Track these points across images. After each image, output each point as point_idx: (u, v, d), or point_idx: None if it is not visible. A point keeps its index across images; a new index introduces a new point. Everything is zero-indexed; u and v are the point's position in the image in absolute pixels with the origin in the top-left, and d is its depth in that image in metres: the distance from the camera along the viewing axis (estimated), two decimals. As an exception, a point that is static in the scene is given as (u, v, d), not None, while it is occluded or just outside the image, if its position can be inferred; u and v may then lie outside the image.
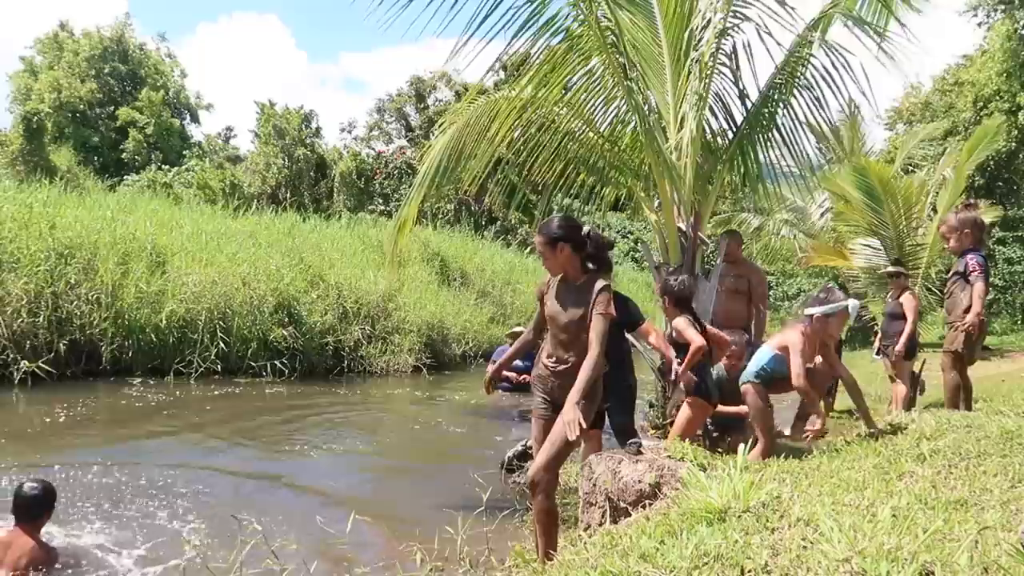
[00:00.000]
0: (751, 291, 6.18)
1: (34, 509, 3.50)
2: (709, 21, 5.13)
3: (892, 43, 5.00)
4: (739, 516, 2.12)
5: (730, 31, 5.19)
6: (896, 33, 5.09)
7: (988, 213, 13.54)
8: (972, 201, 5.79)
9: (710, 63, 5.08)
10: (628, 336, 4.70)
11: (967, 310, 5.21)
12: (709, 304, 5.21)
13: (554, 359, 3.56)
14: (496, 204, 20.30)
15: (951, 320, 5.38)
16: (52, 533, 3.80)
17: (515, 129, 5.54)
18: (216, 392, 8.59)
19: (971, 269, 5.21)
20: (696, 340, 4.41)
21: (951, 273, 5.49)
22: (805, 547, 1.82)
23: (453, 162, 5.55)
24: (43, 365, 7.96)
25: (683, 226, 5.18)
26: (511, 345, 9.64)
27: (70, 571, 3.56)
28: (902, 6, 5.20)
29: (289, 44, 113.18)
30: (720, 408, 4.91)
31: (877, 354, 7.85)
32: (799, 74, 5.30)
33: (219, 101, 78.44)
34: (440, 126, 6.27)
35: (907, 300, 7.28)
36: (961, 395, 5.38)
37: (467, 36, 4.35)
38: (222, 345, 9.35)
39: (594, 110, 5.35)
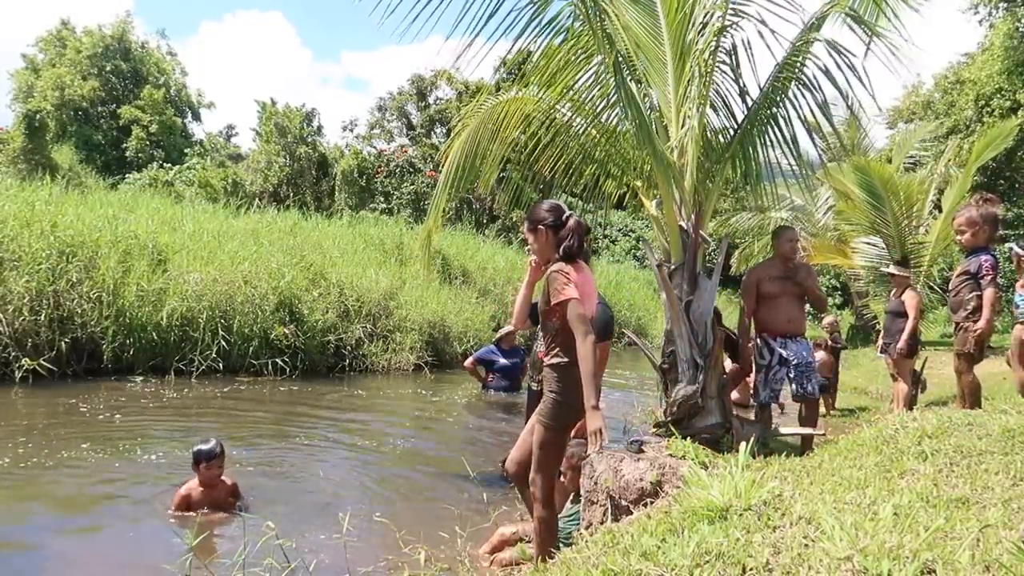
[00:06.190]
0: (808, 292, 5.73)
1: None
2: (709, 19, 5.11)
3: (893, 43, 4.96)
4: (741, 514, 2.12)
5: (729, 28, 5.17)
6: (890, 31, 5.05)
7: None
8: (992, 196, 5.65)
9: (710, 60, 5.07)
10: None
11: (975, 311, 5.16)
12: (710, 304, 5.16)
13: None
14: (501, 203, 20.26)
15: (958, 320, 5.31)
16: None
17: (520, 129, 5.54)
18: (217, 390, 8.60)
19: (984, 272, 5.13)
20: None
21: (960, 272, 5.33)
22: (807, 545, 1.82)
23: (468, 164, 5.58)
24: (44, 363, 7.98)
25: (684, 224, 5.16)
26: (497, 346, 9.57)
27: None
28: (901, 5, 5.16)
29: (294, 43, 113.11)
30: None
31: (880, 352, 7.85)
32: (801, 72, 5.27)
33: (223, 99, 78.66)
34: (454, 129, 6.33)
35: (909, 298, 7.26)
36: (966, 392, 5.36)
37: (472, 37, 4.33)
38: (223, 343, 9.35)
39: (597, 108, 5.34)
